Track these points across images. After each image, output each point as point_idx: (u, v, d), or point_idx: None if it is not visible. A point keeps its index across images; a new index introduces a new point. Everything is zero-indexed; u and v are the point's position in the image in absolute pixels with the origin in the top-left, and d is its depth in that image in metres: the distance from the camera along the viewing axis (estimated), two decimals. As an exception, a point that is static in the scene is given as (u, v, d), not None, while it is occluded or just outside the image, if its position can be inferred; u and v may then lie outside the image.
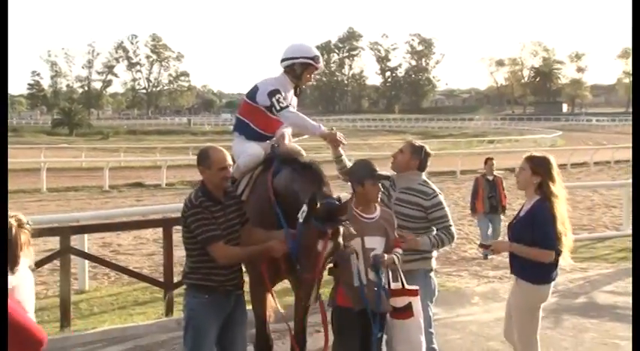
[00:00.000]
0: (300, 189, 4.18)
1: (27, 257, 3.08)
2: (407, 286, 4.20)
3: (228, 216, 4.01)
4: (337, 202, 3.93)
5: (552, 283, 4.52)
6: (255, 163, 4.81)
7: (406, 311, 4.14)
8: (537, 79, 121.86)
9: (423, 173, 4.72)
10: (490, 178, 10.79)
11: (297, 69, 5.02)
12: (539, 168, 4.41)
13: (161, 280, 7.36)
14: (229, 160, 4.05)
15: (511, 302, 4.60)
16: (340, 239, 3.87)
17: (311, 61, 5.02)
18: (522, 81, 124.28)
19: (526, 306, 4.48)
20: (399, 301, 4.14)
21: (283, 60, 5.04)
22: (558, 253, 4.37)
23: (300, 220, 3.87)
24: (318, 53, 5.12)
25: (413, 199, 4.57)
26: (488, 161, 10.97)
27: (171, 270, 7.16)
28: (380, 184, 4.25)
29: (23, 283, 3.08)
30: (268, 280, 4.34)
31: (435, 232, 4.56)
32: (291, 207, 4.12)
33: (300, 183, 4.22)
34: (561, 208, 4.39)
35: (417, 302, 4.19)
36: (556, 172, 4.45)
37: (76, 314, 6.99)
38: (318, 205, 3.83)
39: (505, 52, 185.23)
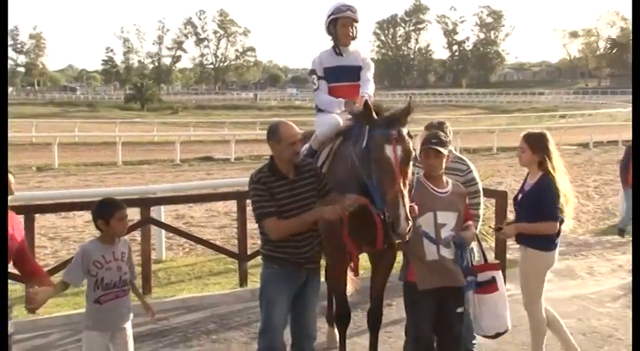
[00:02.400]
0: None
1: None
2: (489, 261, 4.20)
3: (295, 191, 3.99)
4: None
5: (557, 250, 4.82)
6: (333, 131, 4.71)
7: (491, 285, 4.11)
8: (614, 51, 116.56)
9: (455, 150, 4.76)
10: None
11: (331, 30, 4.98)
12: (537, 146, 4.66)
13: (235, 251, 7.55)
14: (299, 135, 4.04)
15: (520, 269, 4.84)
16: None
17: (334, 16, 4.91)
18: (597, 53, 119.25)
19: (535, 272, 4.72)
20: (483, 276, 4.12)
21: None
22: (561, 222, 4.67)
23: (364, 144, 3.85)
24: (339, 3, 4.92)
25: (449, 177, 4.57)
26: None
27: (245, 242, 7.31)
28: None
29: None
30: (347, 254, 4.35)
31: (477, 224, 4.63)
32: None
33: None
34: (562, 180, 4.67)
35: (499, 276, 4.18)
36: (553, 146, 4.72)
37: (155, 282, 7.23)
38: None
39: (579, 22, 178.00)
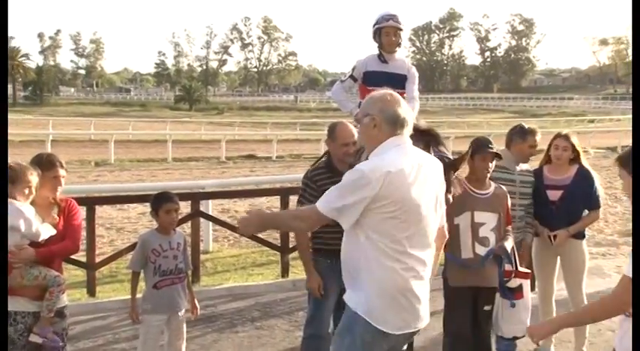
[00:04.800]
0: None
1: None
2: (520, 268, 4.08)
3: None
4: (448, 158, 3.77)
5: None
6: None
7: (516, 292, 4.01)
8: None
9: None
10: None
11: (376, 39, 4.95)
12: (574, 144, 4.78)
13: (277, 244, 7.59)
14: (353, 137, 3.99)
15: (572, 266, 4.88)
16: (450, 196, 3.70)
17: (378, 25, 4.88)
18: (627, 60, 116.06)
19: (587, 259, 4.96)
20: (511, 283, 4.01)
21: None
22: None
23: None
24: (384, 13, 4.89)
25: (528, 178, 4.71)
26: None
27: (287, 235, 7.35)
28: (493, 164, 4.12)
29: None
30: None
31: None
32: None
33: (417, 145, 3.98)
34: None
35: (527, 284, 4.10)
36: None
37: (203, 271, 7.33)
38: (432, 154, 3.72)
39: (609, 30, 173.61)
